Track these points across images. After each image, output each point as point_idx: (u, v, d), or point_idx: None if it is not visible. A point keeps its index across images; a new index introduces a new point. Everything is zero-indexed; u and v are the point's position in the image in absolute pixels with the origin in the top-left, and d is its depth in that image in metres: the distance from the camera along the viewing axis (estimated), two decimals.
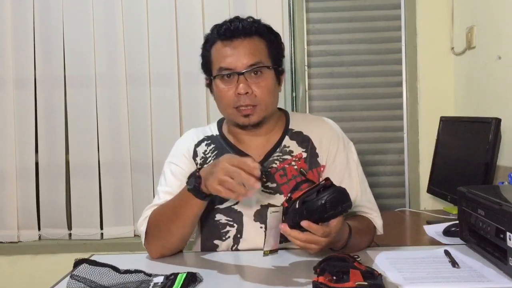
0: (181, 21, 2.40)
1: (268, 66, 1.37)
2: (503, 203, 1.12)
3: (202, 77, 2.44)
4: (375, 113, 2.47)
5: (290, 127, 1.46)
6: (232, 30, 1.35)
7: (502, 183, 1.81)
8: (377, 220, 1.40)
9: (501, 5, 1.96)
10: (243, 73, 1.34)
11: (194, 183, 1.22)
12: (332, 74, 2.47)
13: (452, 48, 2.40)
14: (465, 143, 1.95)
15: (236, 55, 1.34)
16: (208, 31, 2.49)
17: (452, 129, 2.11)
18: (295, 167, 1.40)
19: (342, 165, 1.41)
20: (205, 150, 1.44)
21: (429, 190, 2.21)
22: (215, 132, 1.49)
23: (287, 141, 1.43)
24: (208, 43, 1.41)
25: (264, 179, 1.38)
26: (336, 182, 1.39)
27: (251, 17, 1.41)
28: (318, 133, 1.44)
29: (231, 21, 1.39)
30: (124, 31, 2.41)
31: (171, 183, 1.40)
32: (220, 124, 1.51)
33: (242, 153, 1.41)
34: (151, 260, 1.32)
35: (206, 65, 1.42)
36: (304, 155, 1.41)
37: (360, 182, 1.42)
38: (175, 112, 2.41)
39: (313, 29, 2.47)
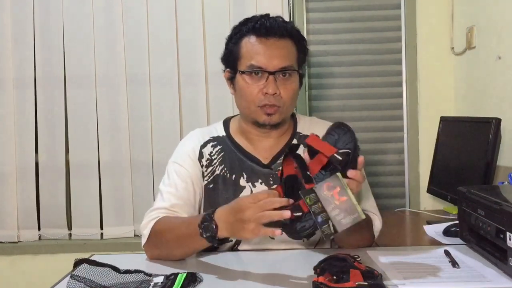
0: (181, 21, 2.40)
1: (296, 70, 1.38)
2: (503, 203, 1.12)
3: (202, 77, 2.45)
4: (375, 113, 2.47)
5: (298, 130, 1.47)
6: (268, 27, 1.34)
7: (502, 183, 1.81)
8: (377, 224, 1.41)
9: (501, 5, 1.96)
10: (273, 73, 1.33)
11: (211, 232, 1.16)
12: (332, 74, 2.47)
13: (452, 48, 2.40)
14: (465, 143, 1.95)
15: (270, 55, 1.33)
16: (208, 31, 2.50)
17: (452, 129, 2.11)
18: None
19: None
20: (211, 152, 1.43)
21: (429, 190, 2.21)
22: (222, 133, 1.47)
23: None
24: (238, 35, 1.38)
25: (271, 182, 1.39)
26: None
27: (280, 17, 1.41)
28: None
29: (264, 17, 1.37)
30: (124, 31, 2.40)
31: (175, 183, 1.39)
32: (226, 124, 1.50)
33: (249, 156, 1.42)
34: (151, 260, 1.32)
35: (231, 57, 1.39)
36: None
37: (364, 187, 1.43)
38: (175, 112, 2.41)
39: (313, 29, 2.47)
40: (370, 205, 1.42)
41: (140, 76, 2.41)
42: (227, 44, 1.42)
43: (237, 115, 1.51)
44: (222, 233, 1.15)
